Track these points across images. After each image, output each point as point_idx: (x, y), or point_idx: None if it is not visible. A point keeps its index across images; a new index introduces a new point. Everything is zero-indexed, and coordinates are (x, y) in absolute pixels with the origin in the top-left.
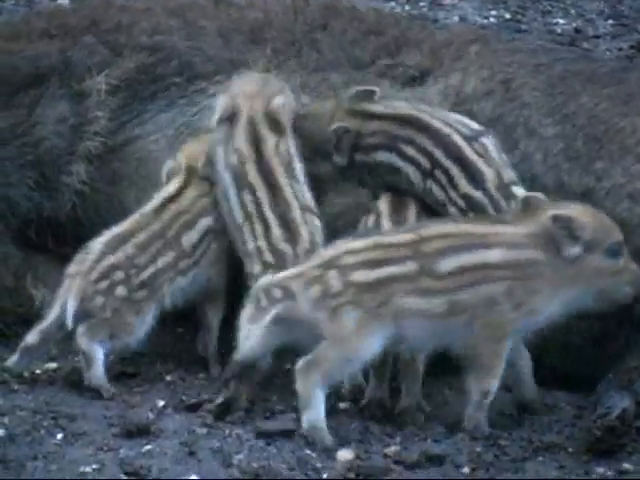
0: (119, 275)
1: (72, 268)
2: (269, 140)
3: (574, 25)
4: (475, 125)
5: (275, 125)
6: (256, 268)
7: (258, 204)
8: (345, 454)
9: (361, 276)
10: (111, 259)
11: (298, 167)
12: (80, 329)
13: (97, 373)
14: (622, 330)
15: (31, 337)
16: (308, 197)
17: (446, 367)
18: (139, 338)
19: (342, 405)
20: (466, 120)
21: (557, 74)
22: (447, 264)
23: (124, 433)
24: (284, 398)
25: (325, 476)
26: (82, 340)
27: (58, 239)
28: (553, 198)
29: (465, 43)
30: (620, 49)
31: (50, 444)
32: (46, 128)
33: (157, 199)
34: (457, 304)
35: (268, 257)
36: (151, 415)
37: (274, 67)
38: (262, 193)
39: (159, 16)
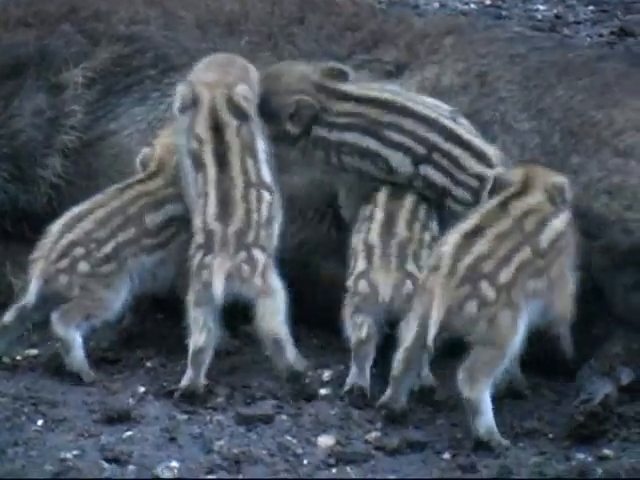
0: (79, 251)
1: (35, 253)
2: (231, 124)
3: (554, 11)
4: (446, 106)
5: (237, 111)
6: (192, 248)
7: (205, 183)
8: (326, 440)
9: (505, 277)
10: (69, 237)
11: (260, 147)
12: (54, 316)
13: (77, 358)
14: (602, 317)
15: (7, 316)
16: (264, 174)
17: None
18: (115, 312)
19: (323, 391)
20: (438, 102)
21: (533, 65)
22: (544, 239)
23: (105, 419)
24: (264, 384)
25: (306, 462)
26: (58, 327)
27: (35, 230)
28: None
29: (440, 35)
30: (601, 35)
31: (30, 430)
32: (23, 121)
33: (123, 183)
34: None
35: (200, 237)
36: (132, 401)
37: (249, 60)
38: (212, 171)
39: (137, 4)
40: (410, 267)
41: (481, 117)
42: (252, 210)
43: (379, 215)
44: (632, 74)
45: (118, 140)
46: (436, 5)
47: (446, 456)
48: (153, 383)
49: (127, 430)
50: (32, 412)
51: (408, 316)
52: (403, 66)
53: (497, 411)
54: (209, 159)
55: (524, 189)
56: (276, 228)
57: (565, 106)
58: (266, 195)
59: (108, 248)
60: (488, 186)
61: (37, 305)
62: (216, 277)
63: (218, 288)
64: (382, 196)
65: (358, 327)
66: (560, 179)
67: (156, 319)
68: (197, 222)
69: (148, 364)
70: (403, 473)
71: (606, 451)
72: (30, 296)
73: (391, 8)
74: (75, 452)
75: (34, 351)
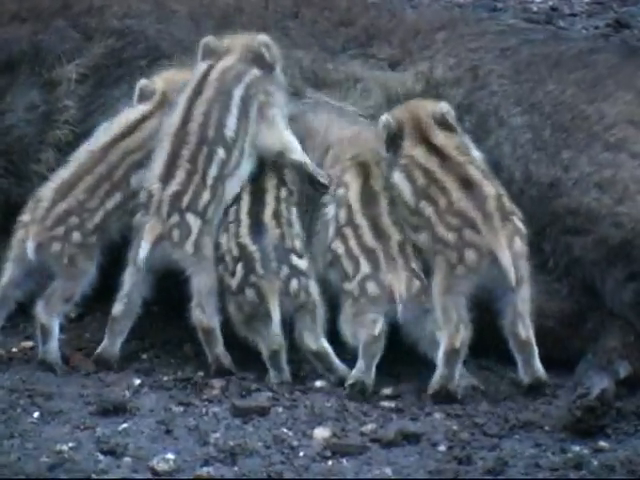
0: (74, 220)
1: (24, 216)
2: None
3: (550, 3)
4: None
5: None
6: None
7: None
8: (322, 432)
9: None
10: (63, 205)
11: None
12: (39, 304)
13: (54, 349)
14: (595, 312)
15: None
16: (229, 126)
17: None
18: (90, 285)
19: (318, 383)
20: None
21: (524, 59)
22: None
23: (100, 411)
24: (260, 376)
25: (301, 454)
26: (41, 315)
27: None
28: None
29: (433, 30)
30: (596, 27)
31: (26, 422)
32: (16, 116)
33: (109, 133)
34: None
35: (142, 195)
36: (127, 393)
37: None
38: (175, 118)
39: None
40: (414, 265)
41: (473, 111)
42: (196, 172)
43: (363, 221)
44: (624, 66)
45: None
46: None
47: (442, 448)
48: (148, 375)
49: (123, 422)
50: (28, 404)
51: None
52: (396, 63)
53: (493, 403)
54: (181, 101)
55: None
56: (232, 186)
57: (556, 100)
58: (220, 153)
59: (97, 218)
60: None
61: (23, 272)
62: (144, 240)
63: (144, 250)
64: (354, 197)
65: (371, 323)
66: None
67: (151, 312)
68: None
69: (144, 356)
70: (399, 465)
71: (602, 443)
72: (20, 259)
73: (385, 1)
74: (71, 444)
75: (29, 343)
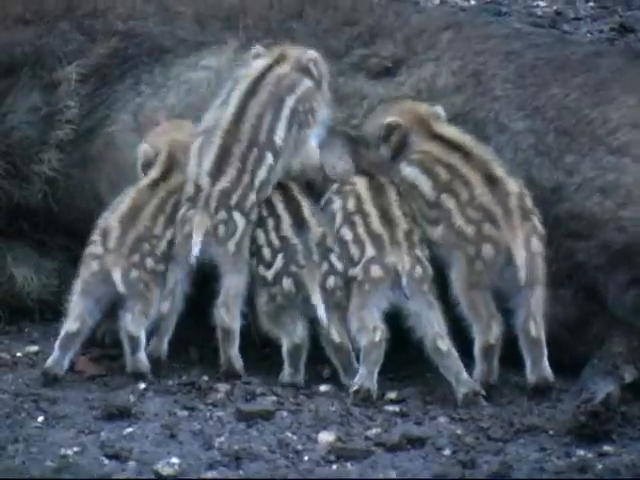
0: (146, 247)
1: (92, 249)
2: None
3: (555, 7)
4: None
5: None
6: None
7: (217, 124)
8: (326, 436)
9: None
10: (134, 232)
11: (290, 104)
12: (126, 316)
13: (143, 358)
14: (599, 317)
15: (70, 326)
16: (278, 134)
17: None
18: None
19: (323, 388)
20: None
21: (528, 62)
22: None
23: (105, 415)
24: (265, 380)
25: (306, 458)
26: (131, 326)
27: (31, 226)
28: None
29: (438, 31)
30: (601, 31)
31: (31, 427)
32: (17, 118)
33: (144, 180)
34: None
35: (190, 188)
36: (132, 398)
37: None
38: (228, 113)
39: (135, 1)
40: (419, 252)
41: (475, 116)
42: (245, 171)
43: (372, 210)
44: (628, 70)
45: (113, 126)
46: (436, 2)
47: (446, 452)
48: (153, 379)
49: (127, 426)
50: (32, 409)
51: None
52: (400, 62)
53: (497, 407)
54: (234, 98)
55: None
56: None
57: (560, 104)
58: (269, 157)
59: (163, 245)
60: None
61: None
62: (196, 234)
63: (197, 244)
64: (364, 190)
65: (372, 329)
66: None
67: None
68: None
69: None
70: (403, 469)
71: (606, 447)
72: (90, 291)
73: (390, 4)
74: (75, 448)
75: (34, 348)
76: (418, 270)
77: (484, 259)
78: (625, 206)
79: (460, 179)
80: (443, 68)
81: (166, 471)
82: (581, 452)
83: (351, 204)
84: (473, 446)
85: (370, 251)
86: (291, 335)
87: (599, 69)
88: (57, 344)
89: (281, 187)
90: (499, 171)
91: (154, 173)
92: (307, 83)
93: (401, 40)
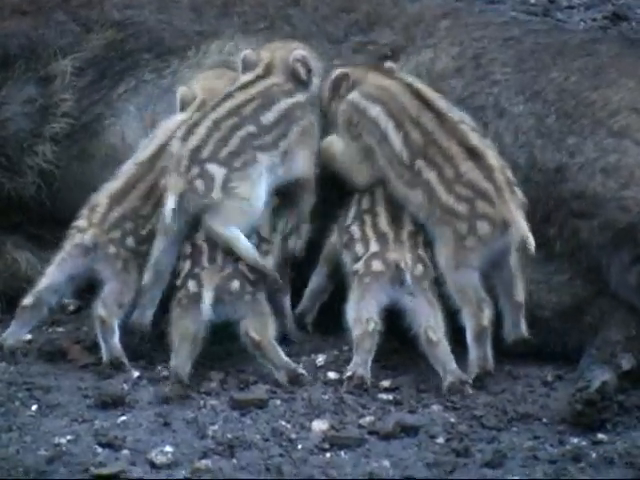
0: (129, 225)
1: (80, 222)
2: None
3: None
4: None
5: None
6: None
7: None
8: (320, 424)
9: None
10: (119, 210)
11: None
12: (98, 305)
13: (117, 345)
14: (594, 304)
15: (27, 300)
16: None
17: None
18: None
19: (316, 376)
20: None
21: (527, 48)
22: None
23: (99, 404)
24: (258, 369)
25: (300, 446)
26: (102, 313)
27: (25, 218)
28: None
29: (435, 19)
30: (594, 19)
31: (25, 415)
32: (12, 109)
33: (154, 143)
34: None
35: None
36: (126, 386)
37: (245, 41)
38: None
39: None
40: (422, 252)
41: (474, 100)
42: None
43: (382, 211)
44: (626, 55)
45: (111, 123)
46: None
47: (440, 440)
48: (147, 368)
49: (121, 415)
50: (26, 397)
51: None
52: (399, 49)
53: (491, 395)
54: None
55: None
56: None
57: (560, 87)
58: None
59: (148, 227)
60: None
61: (65, 278)
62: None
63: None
64: (379, 192)
65: (365, 320)
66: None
67: None
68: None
69: (142, 349)
70: (397, 457)
71: (600, 435)
72: (66, 264)
73: None
74: (69, 437)
75: (28, 336)
76: (419, 268)
77: (479, 235)
78: (628, 186)
79: (438, 149)
80: (442, 54)
81: (160, 459)
82: (575, 440)
83: (365, 200)
84: (467, 434)
85: (374, 247)
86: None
87: (598, 54)
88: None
89: None
90: (476, 141)
91: (185, 116)
92: (298, 97)
93: (399, 28)
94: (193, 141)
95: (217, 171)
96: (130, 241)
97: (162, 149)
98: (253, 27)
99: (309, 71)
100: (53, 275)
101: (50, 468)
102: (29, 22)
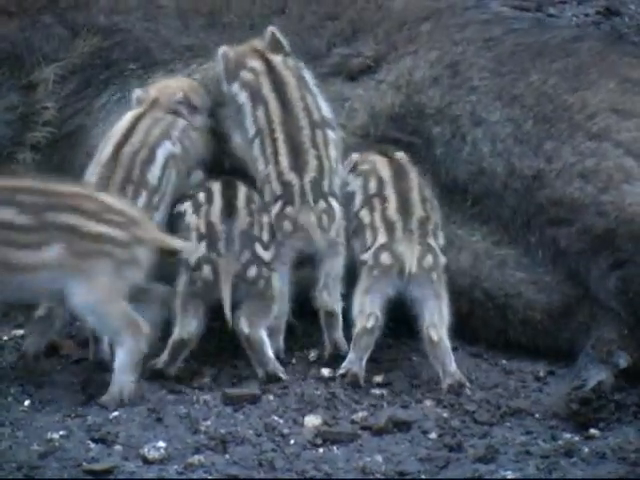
0: None
1: None
2: (276, 57)
3: None
4: None
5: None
6: (267, 196)
7: (270, 121)
8: (312, 420)
9: None
10: None
11: (310, 79)
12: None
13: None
14: (584, 304)
15: (40, 311)
16: (324, 108)
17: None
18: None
19: (309, 371)
20: None
21: (507, 49)
22: None
23: (91, 400)
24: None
25: (292, 442)
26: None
27: None
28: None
29: (417, 22)
30: (586, 15)
31: (17, 411)
32: None
33: (111, 142)
34: None
35: (276, 187)
36: None
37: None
38: (274, 107)
39: None
40: (432, 241)
41: (452, 110)
42: (323, 156)
43: (392, 194)
44: (608, 54)
45: (93, 132)
46: None
47: (433, 436)
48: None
49: (113, 410)
50: (19, 393)
51: None
52: (381, 59)
53: (483, 390)
54: (268, 93)
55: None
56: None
57: (538, 91)
58: (331, 134)
59: None
60: None
61: None
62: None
63: (317, 234)
64: (385, 171)
65: (367, 315)
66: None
67: None
68: (267, 170)
69: None
70: (390, 453)
71: (592, 431)
72: None
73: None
74: (62, 432)
75: (20, 331)
76: (428, 259)
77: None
78: (606, 191)
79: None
80: (421, 61)
81: (152, 455)
82: (567, 435)
83: (372, 185)
84: (459, 429)
85: (382, 238)
86: (184, 328)
87: (578, 54)
88: None
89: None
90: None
91: (139, 109)
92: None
93: (382, 35)
94: None
95: None
96: None
97: (120, 146)
98: (238, 36)
99: (195, 108)
100: None
101: (43, 463)
102: (15, 24)
